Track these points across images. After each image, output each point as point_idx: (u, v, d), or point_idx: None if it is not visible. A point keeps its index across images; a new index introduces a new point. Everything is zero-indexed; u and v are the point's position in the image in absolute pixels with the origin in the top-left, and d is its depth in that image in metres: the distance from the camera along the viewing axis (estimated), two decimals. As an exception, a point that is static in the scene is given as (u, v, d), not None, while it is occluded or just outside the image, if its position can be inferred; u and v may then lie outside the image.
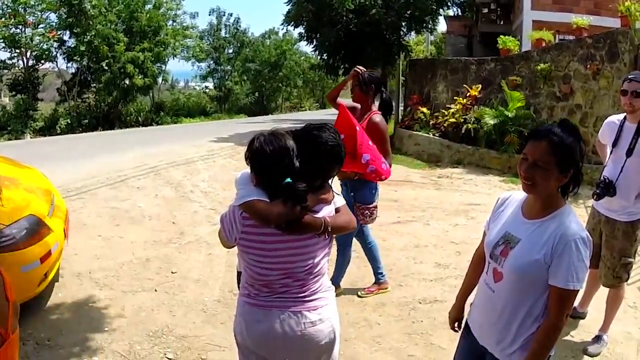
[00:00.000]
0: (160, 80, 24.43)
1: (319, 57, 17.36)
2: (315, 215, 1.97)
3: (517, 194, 2.08)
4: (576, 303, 3.87)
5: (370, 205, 4.04)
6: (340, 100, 4.05)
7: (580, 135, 1.88)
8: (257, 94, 33.53)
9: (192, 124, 23.28)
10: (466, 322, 2.20)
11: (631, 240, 3.35)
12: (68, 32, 19.77)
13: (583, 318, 3.91)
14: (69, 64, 20.93)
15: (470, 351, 2.15)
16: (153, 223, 6.16)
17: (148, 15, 21.32)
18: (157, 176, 8.51)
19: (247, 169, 2.04)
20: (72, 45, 19.89)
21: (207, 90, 32.91)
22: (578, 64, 9.33)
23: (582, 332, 3.76)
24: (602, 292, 3.72)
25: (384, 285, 4.45)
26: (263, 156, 1.92)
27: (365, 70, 4.11)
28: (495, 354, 1.99)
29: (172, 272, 4.77)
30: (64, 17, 19.28)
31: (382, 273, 4.45)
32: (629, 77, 3.27)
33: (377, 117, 3.94)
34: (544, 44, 10.53)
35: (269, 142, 1.94)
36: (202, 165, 9.86)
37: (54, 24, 19.60)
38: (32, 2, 18.25)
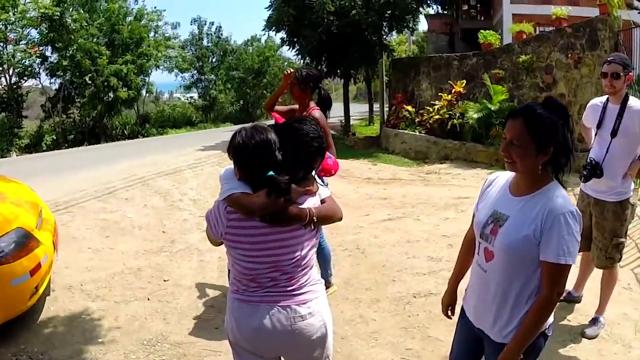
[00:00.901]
0: (144, 92, 24.34)
1: (301, 62, 17.36)
2: (300, 207, 1.97)
3: (504, 174, 2.07)
4: (570, 287, 3.94)
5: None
6: (277, 108, 4.15)
7: (565, 112, 1.85)
8: (242, 102, 33.45)
9: (179, 134, 23.19)
10: (462, 308, 2.20)
11: (621, 220, 3.38)
12: (50, 48, 19.69)
13: (578, 302, 3.93)
14: (52, 80, 20.84)
15: (467, 336, 2.16)
16: (143, 233, 6.12)
17: (130, 28, 21.30)
18: (146, 186, 8.46)
19: (231, 165, 2.04)
20: (55, 61, 19.78)
21: (192, 101, 32.75)
22: (559, 54, 9.45)
23: (578, 315, 3.78)
24: (596, 275, 3.75)
25: (331, 287, 4.29)
26: (245, 150, 1.93)
27: (301, 68, 4.18)
28: (491, 336, 1.98)
29: (164, 280, 4.75)
30: (45, 32, 19.19)
31: (331, 275, 4.32)
32: (608, 59, 3.33)
33: (317, 113, 3.93)
34: (524, 36, 10.67)
35: (251, 135, 1.95)
36: (190, 174, 9.81)
37: (35, 40, 19.50)
38: (12, 19, 18.13)
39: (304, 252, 2.01)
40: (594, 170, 3.33)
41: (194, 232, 6.17)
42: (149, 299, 4.34)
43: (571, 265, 1.80)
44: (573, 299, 3.93)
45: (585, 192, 3.55)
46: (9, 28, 18.42)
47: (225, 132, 19.51)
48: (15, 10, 17.99)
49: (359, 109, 28.87)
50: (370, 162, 11.34)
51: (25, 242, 3.36)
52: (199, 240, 5.78)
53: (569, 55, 9.02)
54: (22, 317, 3.59)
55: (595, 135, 3.48)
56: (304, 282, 2.04)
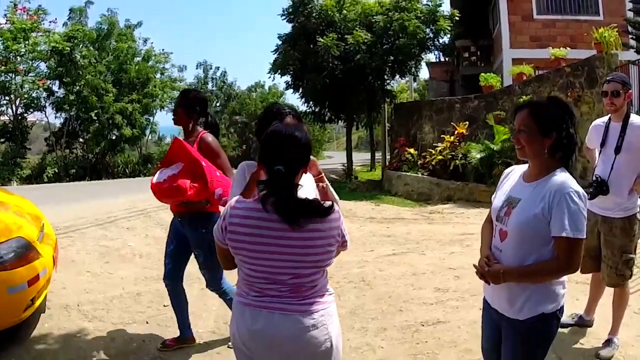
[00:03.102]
0: (148, 132, 24.56)
1: (305, 106, 17.62)
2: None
3: (519, 167, 2.30)
4: (582, 311, 3.90)
5: None
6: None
7: (566, 106, 2.12)
8: (244, 147, 33.75)
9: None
10: (484, 299, 2.35)
11: (630, 236, 3.38)
12: (57, 82, 19.95)
13: (590, 326, 3.85)
14: (58, 114, 20.99)
15: (491, 325, 2.32)
16: (144, 261, 6.03)
17: (137, 67, 21.67)
18: (147, 218, 8.38)
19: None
20: (61, 95, 20.00)
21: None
22: (559, 93, 9.60)
23: (591, 339, 3.69)
24: (607, 300, 3.70)
25: (190, 341, 3.87)
26: (277, 138, 1.92)
27: (188, 89, 3.96)
28: (507, 314, 2.13)
29: (164, 306, 4.62)
30: (54, 66, 19.47)
31: (189, 327, 3.89)
32: (608, 78, 3.45)
33: (209, 136, 3.54)
34: (524, 78, 10.88)
35: (292, 128, 1.97)
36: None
37: (44, 73, 19.76)
38: (22, 51, 18.38)
39: (306, 271, 1.87)
40: (600, 188, 3.38)
41: (194, 262, 6.05)
42: (147, 323, 4.23)
43: (582, 239, 1.97)
44: (585, 324, 3.85)
45: (592, 210, 3.54)
46: (19, 59, 18.62)
47: (227, 174, 19.58)
48: (27, 42, 18.24)
49: (360, 157, 29.09)
50: (373, 203, 11.29)
51: (25, 252, 3.28)
52: (199, 270, 5.67)
53: (569, 94, 9.17)
54: (15, 331, 3.48)
55: (600, 154, 3.55)
56: (310, 294, 1.92)
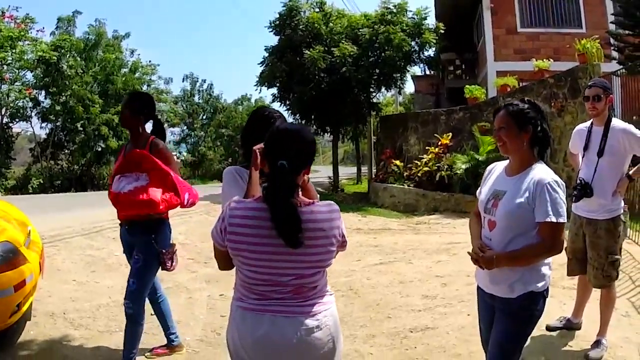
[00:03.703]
0: (134, 143, 24.39)
1: (291, 118, 17.64)
2: None
3: (500, 163, 2.52)
4: (569, 314, 3.94)
5: (173, 246, 3.44)
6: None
7: (537, 105, 2.35)
8: (230, 160, 33.66)
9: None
10: (477, 287, 2.53)
11: (615, 237, 3.45)
12: (44, 92, 19.78)
13: (578, 329, 3.89)
14: (44, 124, 20.78)
15: (486, 309, 2.48)
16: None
17: (124, 79, 21.61)
18: (133, 228, 8.30)
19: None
20: (47, 106, 19.83)
21: (182, 157, 32.79)
22: (543, 104, 9.71)
23: (580, 341, 3.73)
24: (595, 304, 3.75)
25: (178, 349, 3.78)
26: (283, 134, 1.94)
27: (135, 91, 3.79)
28: (500, 295, 2.32)
29: (151, 314, 4.51)
30: (41, 76, 19.32)
31: (175, 334, 3.79)
32: (589, 84, 3.58)
33: (159, 142, 3.39)
34: (509, 89, 11.04)
35: (298, 125, 2.06)
36: (178, 220, 9.67)
37: (30, 82, 19.58)
38: (9, 59, 18.19)
39: (308, 271, 1.86)
40: (584, 190, 3.46)
41: (183, 272, 6.02)
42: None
43: (563, 223, 2.18)
44: (573, 326, 3.89)
45: (576, 213, 3.64)
46: (5, 68, 18.43)
47: (213, 188, 19.46)
48: (14, 50, 18.05)
49: (346, 171, 29.14)
50: (360, 214, 11.31)
51: (11, 256, 3.21)
52: (187, 280, 5.67)
53: (553, 104, 9.32)
54: (0, 337, 3.42)
55: (583, 157, 3.64)
56: (311, 295, 1.89)
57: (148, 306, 3.57)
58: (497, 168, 2.51)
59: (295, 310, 1.86)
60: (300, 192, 1.91)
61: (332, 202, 1.95)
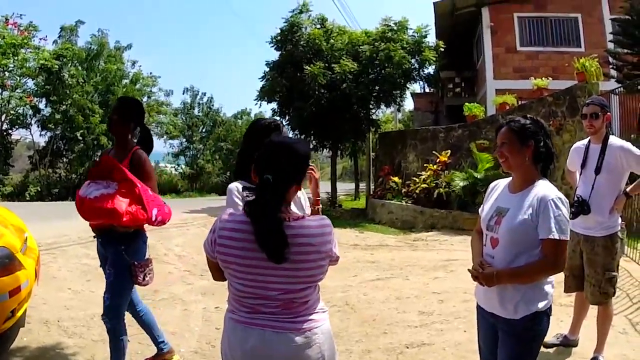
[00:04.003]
0: (132, 154, 24.40)
1: (291, 133, 17.67)
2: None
3: (503, 180, 2.51)
4: (566, 331, 3.94)
5: (148, 260, 3.32)
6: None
7: (538, 121, 2.34)
8: (229, 173, 33.60)
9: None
10: (477, 305, 2.48)
11: (612, 254, 3.45)
12: (44, 100, 19.83)
13: (575, 346, 3.88)
14: (43, 132, 20.81)
15: (486, 328, 2.43)
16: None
17: (124, 90, 21.69)
18: (130, 238, 8.27)
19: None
20: (47, 114, 19.87)
21: (180, 170, 32.71)
22: (541, 122, 9.81)
23: (577, 358, 3.73)
24: (592, 321, 3.74)
25: (169, 355, 3.71)
26: (273, 147, 1.90)
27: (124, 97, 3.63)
28: (503, 315, 2.26)
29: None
30: (42, 84, 19.38)
31: (163, 341, 3.68)
32: (587, 102, 3.61)
33: (142, 154, 3.27)
34: (507, 107, 11.10)
35: (289, 139, 1.98)
36: (175, 232, 9.69)
37: (31, 90, 19.65)
38: (11, 66, 18.28)
39: (297, 286, 1.82)
40: (582, 207, 3.48)
41: (179, 284, 6.02)
42: (129, 341, 4.09)
43: (566, 240, 2.16)
44: (570, 343, 3.88)
45: (574, 230, 3.62)
46: (7, 75, 18.51)
47: (211, 201, 19.45)
48: (16, 57, 18.14)
49: (344, 187, 29.12)
50: (357, 230, 11.30)
51: (7, 262, 3.20)
52: (183, 292, 5.65)
53: (551, 122, 9.37)
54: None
55: (580, 175, 3.66)
56: (302, 310, 1.86)
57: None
58: (500, 185, 2.50)
59: (285, 326, 1.83)
60: (292, 206, 1.90)
61: (325, 216, 1.92)
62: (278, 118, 17.11)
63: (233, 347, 1.88)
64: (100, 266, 3.45)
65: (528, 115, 2.39)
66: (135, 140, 3.39)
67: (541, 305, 2.22)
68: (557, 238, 2.13)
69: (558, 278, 3.53)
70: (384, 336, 4.39)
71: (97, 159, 3.40)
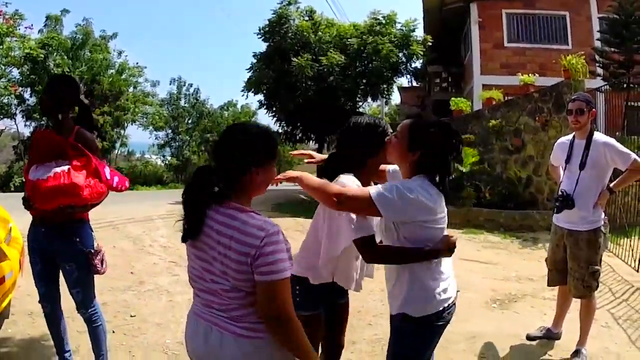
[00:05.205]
0: (118, 145, 24.20)
1: (277, 125, 17.63)
2: None
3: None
4: (550, 324, 3.99)
5: (99, 247, 3.17)
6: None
7: (453, 134, 2.11)
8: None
9: (149, 191, 22.82)
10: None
11: (595, 248, 3.50)
12: (29, 89, 19.54)
13: (558, 339, 3.93)
14: (28, 122, 20.52)
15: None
16: (109, 272, 5.74)
17: (110, 80, 21.48)
18: (115, 230, 8.25)
19: None
20: (32, 104, 19.58)
21: (166, 161, 32.44)
22: (527, 118, 9.92)
23: (559, 351, 3.77)
24: (575, 315, 3.79)
25: None
26: (225, 131, 1.97)
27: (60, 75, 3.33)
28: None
29: (130, 316, 4.56)
30: (27, 73, 19.13)
31: (69, 351, 3.40)
32: (573, 97, 3.65)
33: (86, 132, 3.03)
34: (494, 103, 11.18)
35: (238, 125, 1.98)
36: (161, 223, 9.62)
37: (16, 79, 19.38)
38: (-5, 55, 18.01)
39: (219, 280, 1.75)
40: (566, 202, 3.52)
41: (164, 275, 5.98)
42: (114, 332, 4.14)
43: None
44: (552, 336, 3.93)
45: (557, 225, 3.69)
46: (-10, 64, 18.26)
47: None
48: (1, 46, 17.85)
49: (329, 180, 29.05)
50: (342, 221, 11.31)
51: (-10, 252, 3.18)
52: (169, 283, 5.61)
53: (537, 118, 9.47)
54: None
55: (565, 170, 3.70)
56: (240, 315, 1.78)
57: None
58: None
59: (227, 326, 1.79)
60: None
61: (276, 225, 1.73)
62: (265, 110, 17.09)
63: (187, 336, 1.95)
64: (30, 256, 3.16)
65: (445, 123, 2.19)
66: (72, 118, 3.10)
67: (411, 309, 2.12)
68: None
69: (541, 272, 3.59)
70: (369, 328, 4.44)
71: (35, 140, 3.12)
